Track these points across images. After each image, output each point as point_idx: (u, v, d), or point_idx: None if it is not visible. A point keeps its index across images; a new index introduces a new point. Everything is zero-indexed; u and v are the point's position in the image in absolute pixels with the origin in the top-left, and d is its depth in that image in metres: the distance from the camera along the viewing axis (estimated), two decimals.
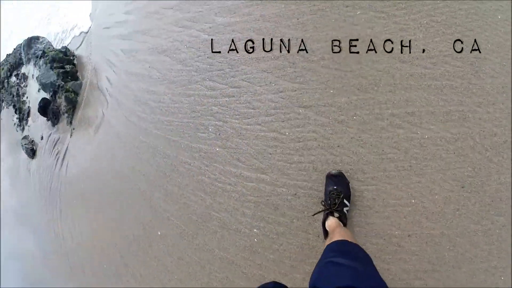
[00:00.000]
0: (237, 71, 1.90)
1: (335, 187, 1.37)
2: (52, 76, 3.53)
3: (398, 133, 1.49)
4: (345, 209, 1.34)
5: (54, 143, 3.51)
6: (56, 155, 3.47)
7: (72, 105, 3.41)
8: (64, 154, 3.37)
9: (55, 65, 3.59)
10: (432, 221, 1.45)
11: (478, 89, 1.46)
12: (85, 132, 3.21)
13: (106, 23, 3.50)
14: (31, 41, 4.60)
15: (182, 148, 2.16)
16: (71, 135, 3.37)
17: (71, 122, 3.40)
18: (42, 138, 3.75)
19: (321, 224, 1.42)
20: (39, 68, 3.99)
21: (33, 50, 4.52)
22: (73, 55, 4.08)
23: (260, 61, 1.83)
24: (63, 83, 3.47)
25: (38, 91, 3.90)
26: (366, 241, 1.50)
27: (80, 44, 4.13)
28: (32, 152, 3.85)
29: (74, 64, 3.89)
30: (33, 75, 4.27)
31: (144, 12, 2.82)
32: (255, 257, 1.76)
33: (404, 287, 1.45)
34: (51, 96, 3.55)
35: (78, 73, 3.72)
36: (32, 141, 3.95)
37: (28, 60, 4.53)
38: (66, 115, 3.41)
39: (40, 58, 4.09)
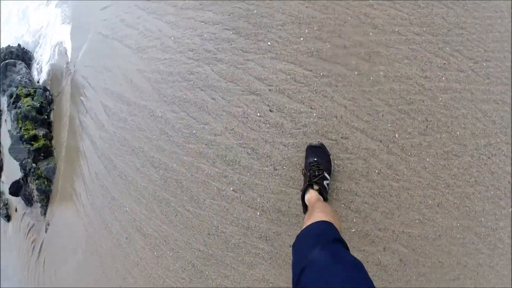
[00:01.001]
0: None
1: (315, 159, 1.22)
2: (23, 152, 2.90)
3: None
4: (325, 182, 1.20)
5: (28, 228, 3.07)
6: (32, 243, 3.06)
7: (46, 195, 2.85)
8: (40, 248, 2.95)
9: (26, 135, 2.91)
10: None
11: None
12: (61, 238, 2.72)
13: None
14: (7, 68, 3.77)
15: None
16: (46, 231, 2.89)
17: (45, 214, 2.88)
18: (16, 210, 3.29)
19: (300, 198, 1.25)
20: (11, 119, 3.31)
21: (8, 80, 3.73)
22: (50, 103, 3.32)
23: None
24: (34, 165, 2.85)
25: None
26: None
27: (60, 92, 3.35)
28: (7, 218, 3.44)
29: (49, 125, 3.19)
30: (6, 120, 3.60)
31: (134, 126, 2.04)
32: None
33: None
34: (23, 179, 2.97)
35: (52, 142, 3.06)
36: (7, 204, 3.49)
37: (3, 92, 3.79)
38: (39, 204, 2.88)
39: (14, 103, 3.36)
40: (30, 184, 2.96)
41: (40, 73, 4.36)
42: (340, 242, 0.75)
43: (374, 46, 1.32)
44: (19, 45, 4.79)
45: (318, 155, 1.24)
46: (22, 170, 2.96)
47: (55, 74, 3.84)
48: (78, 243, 2.48)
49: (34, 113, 3.14)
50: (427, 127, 1.25)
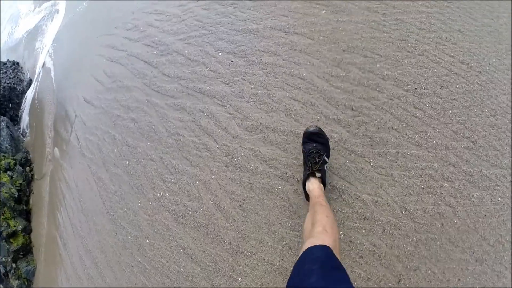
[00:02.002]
0: None
1: (314, 145, 1.24)
2: (2, 248, 2.90)
3: None
4: (325, 166, 1.23)
5: None
6: None
7: None
8: None
9: (4, 233, 2.88)
10: None
11: None
12: None
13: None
14: None
15: None
16: None
17: None
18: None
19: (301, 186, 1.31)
20: None
21: None
22: (30, 182, 3.23)
23: None
24: (14, 265, 2.89)
25: None
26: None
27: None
28: None
29: (28, 213, 3.13)
30: None
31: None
32: None
33: None
34: (4, 274, 3.01)
35: (31, 236, 3.04)
36: None
37: None
38: None
39: None
40: (11, 280, 3.01)
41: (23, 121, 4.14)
42: (337, 270, 0.72)
43: None
44: (14, 61, 4.63)
45: (316, 140, 1.23)
46: (2, 267, 2.99)
47: (38, 131, 3.66)
48: None
49: (12, 203, 3.06)
50: None
